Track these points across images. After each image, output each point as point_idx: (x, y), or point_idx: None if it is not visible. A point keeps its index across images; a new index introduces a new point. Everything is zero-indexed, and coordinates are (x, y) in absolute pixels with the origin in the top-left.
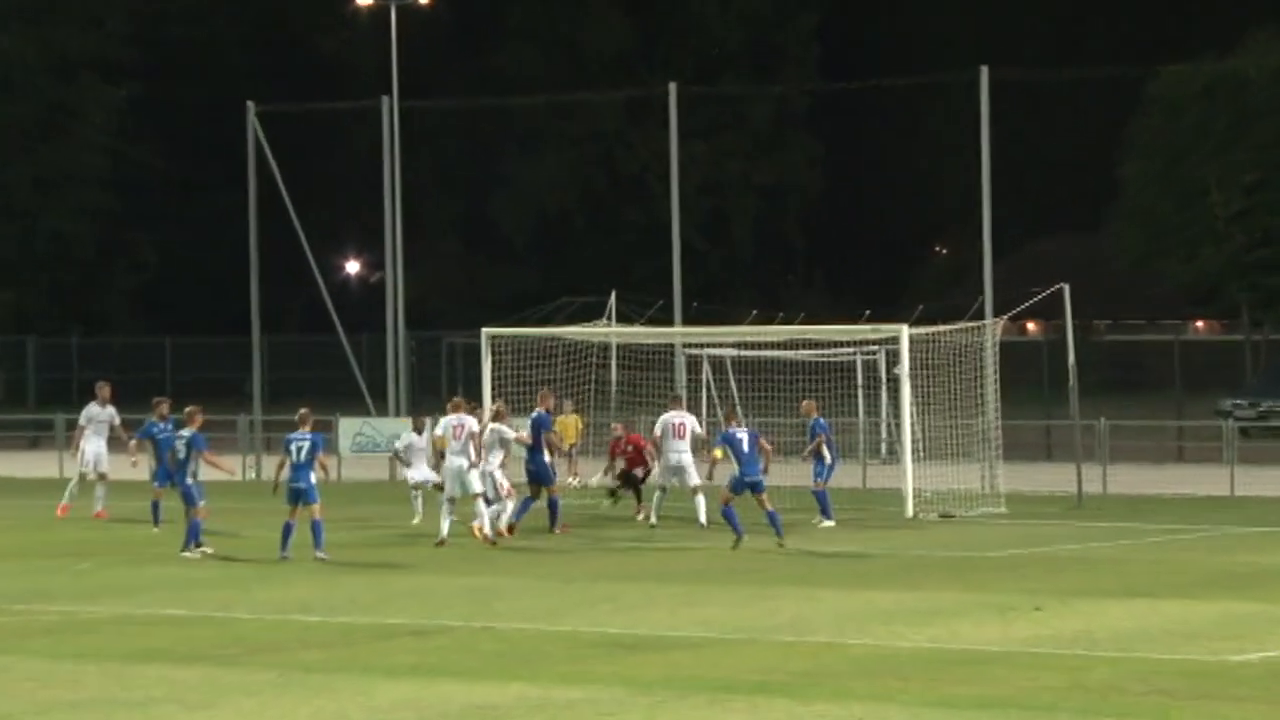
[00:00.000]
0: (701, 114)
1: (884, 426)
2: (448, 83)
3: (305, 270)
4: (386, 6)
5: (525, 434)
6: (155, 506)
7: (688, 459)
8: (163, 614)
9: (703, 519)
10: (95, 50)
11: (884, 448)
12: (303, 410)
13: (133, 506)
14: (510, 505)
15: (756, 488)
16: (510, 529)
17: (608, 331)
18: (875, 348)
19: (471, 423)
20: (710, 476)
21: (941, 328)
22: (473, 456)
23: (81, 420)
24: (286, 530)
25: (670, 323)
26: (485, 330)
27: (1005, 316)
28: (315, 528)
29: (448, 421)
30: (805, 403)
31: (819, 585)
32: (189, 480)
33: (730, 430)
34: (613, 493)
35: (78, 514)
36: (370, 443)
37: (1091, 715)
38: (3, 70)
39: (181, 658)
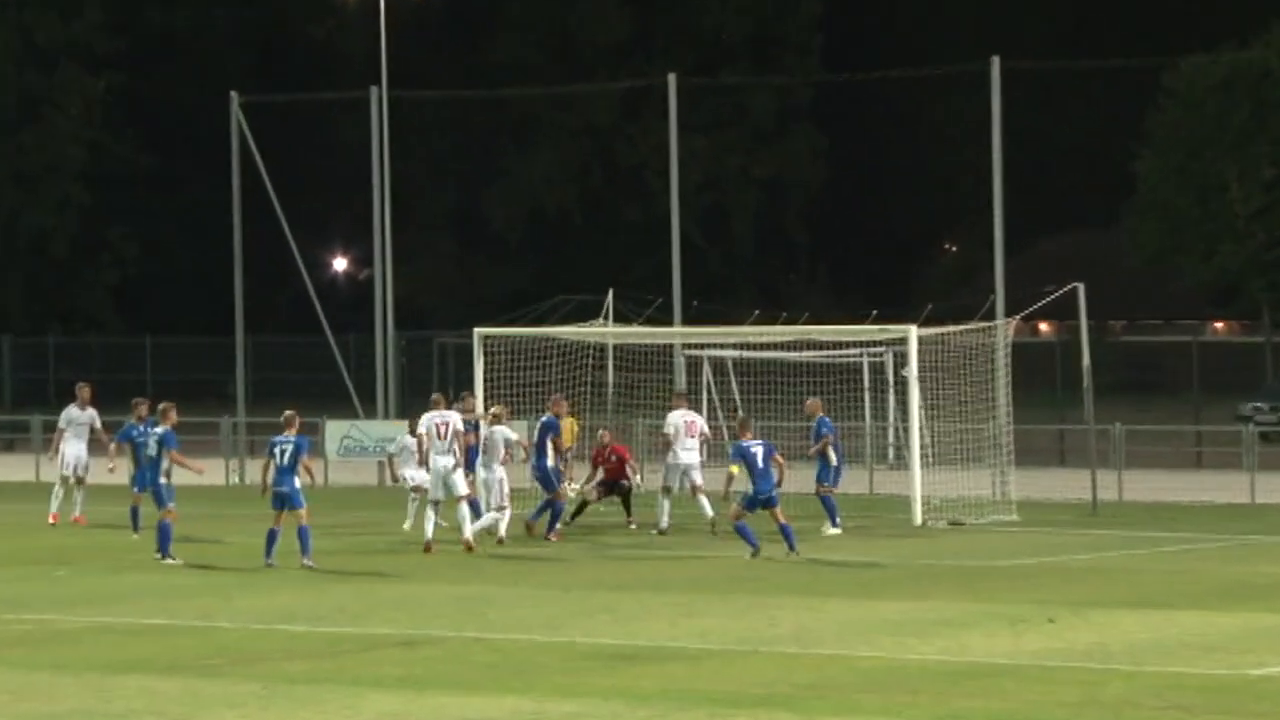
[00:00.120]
0: (701, 106)
1: (891, 431)
2: (439, 73)
3: (291, 267)
4: None
5: (524, 438)
6: (134, 512)
7: (696, 458)
8: (143, 623)
9: (709, 511)
10: (74, 39)
11: (891, 453)
12: (288, 412)
13: (111, 512)
14: (508, 513)
15: (770, 503)
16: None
17: (604, 332)
18: (882, 349)
19: (456, 419)
20: (726, 495)
21: (951, 328)
22: (458, 456)
23: (60, 423)
24: (271, 536)
25: (669, 323)
26: (478, 330)
27: (1017, 316)
28: (302, 534)
29: (430, 419)
30: (810, 401)
31: (824, 595)
32: (161, 480)
33: (744, 443)
34: (581, 508)
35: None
36: (358, 446)
37: None
38: None
39: (162, 668)
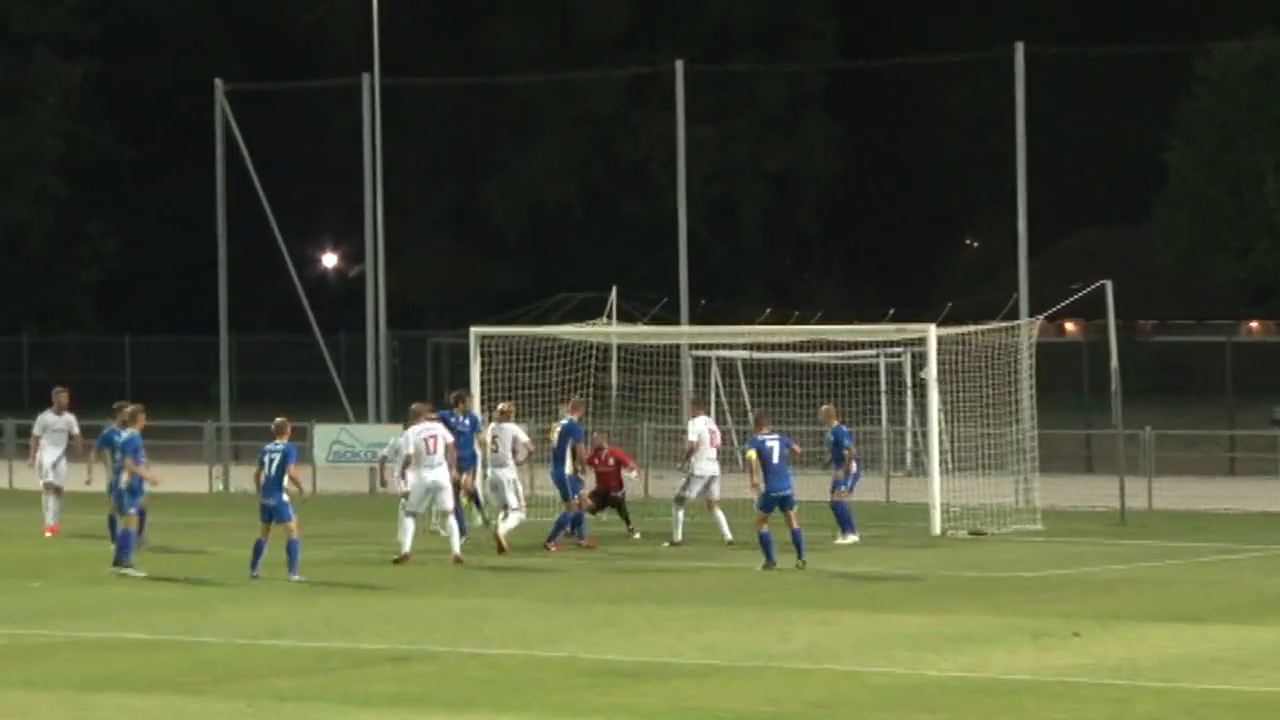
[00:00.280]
0: (709, 95)
1: (909, 436)
2: (435, 60)
3: (278, 263)
4: None
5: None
6: (113, 521)
7: (718, 469)
8: (121, 637)
9: (728, 534)
10: (51, 24)
11: (909, 459)
12: (279, 419)
13: (89, 521)
14: (521, 515)
15: (786, 503)
16: (555, 543)
17: (607, 331)
18: (900, 349)
19: (443, 432)
20: (753, 484)
21: (972, 328)
22: (450, 470)
23: (36, 429)
24: (258, 548)
25: (675, 322)
26: (474, 329)
27: (1042, 315)
28: (290, 548)
29: (416, 435)
30: (824, 408)
31: (837, 608)
32: (122, 483)
33: (761, 436)
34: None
35: (29, 529)
36: (348, 451)
37: None
38: None
39: (142, 685)
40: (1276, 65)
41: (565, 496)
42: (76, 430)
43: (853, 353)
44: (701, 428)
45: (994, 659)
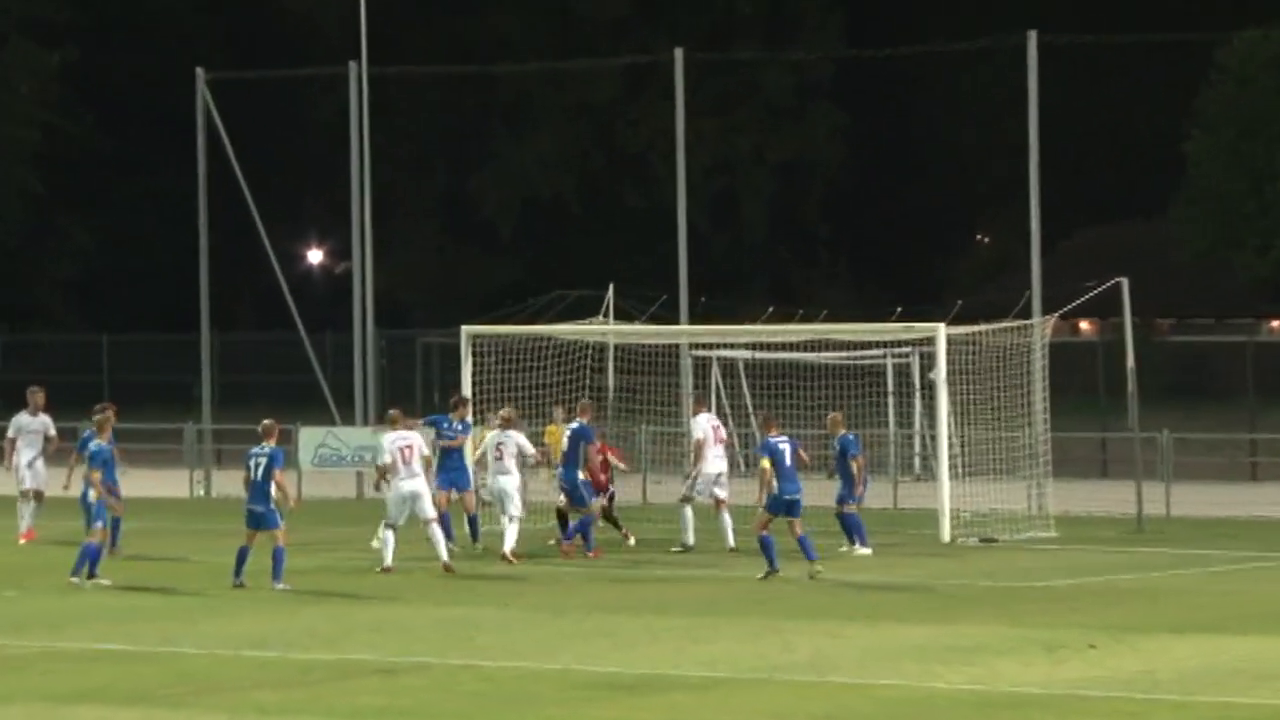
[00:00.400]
0: (710, 84)
1: (917, 439)
2: (424, 47)
3: (262, 260)
4: None
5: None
6: (113, 525)
7: (725, 466)
8: (98, 649)
9: (730, 540)
10: (26, 9)
11: (917, 463)
12: (266, 421)
13: (66, 527)
14: (518, 525)
15: (793, 509)
16: (569, 544)
17: (604, 330)
18: (908, 349)
19: (419, 442)
20: (761, 495)
21: (983, 327)
22: (428, 480)
23: (10, 431)
24: (241, 555)
25: (675, 321)
26: (465, 328)
27: (1055, 314)
28: (276, 556)
29: (391, 443)
30: (832, 415)
31: (842, 618)
32: (90, 496)
33: (772, 439)
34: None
35: (3, 535)
36: (334, 455)
37: None
38: None
39: (120, 699)
40: None
41: (582, 502)
42: (53, 431)
43: (859, 353)
44: (704, 424)
45: (1005, 671)
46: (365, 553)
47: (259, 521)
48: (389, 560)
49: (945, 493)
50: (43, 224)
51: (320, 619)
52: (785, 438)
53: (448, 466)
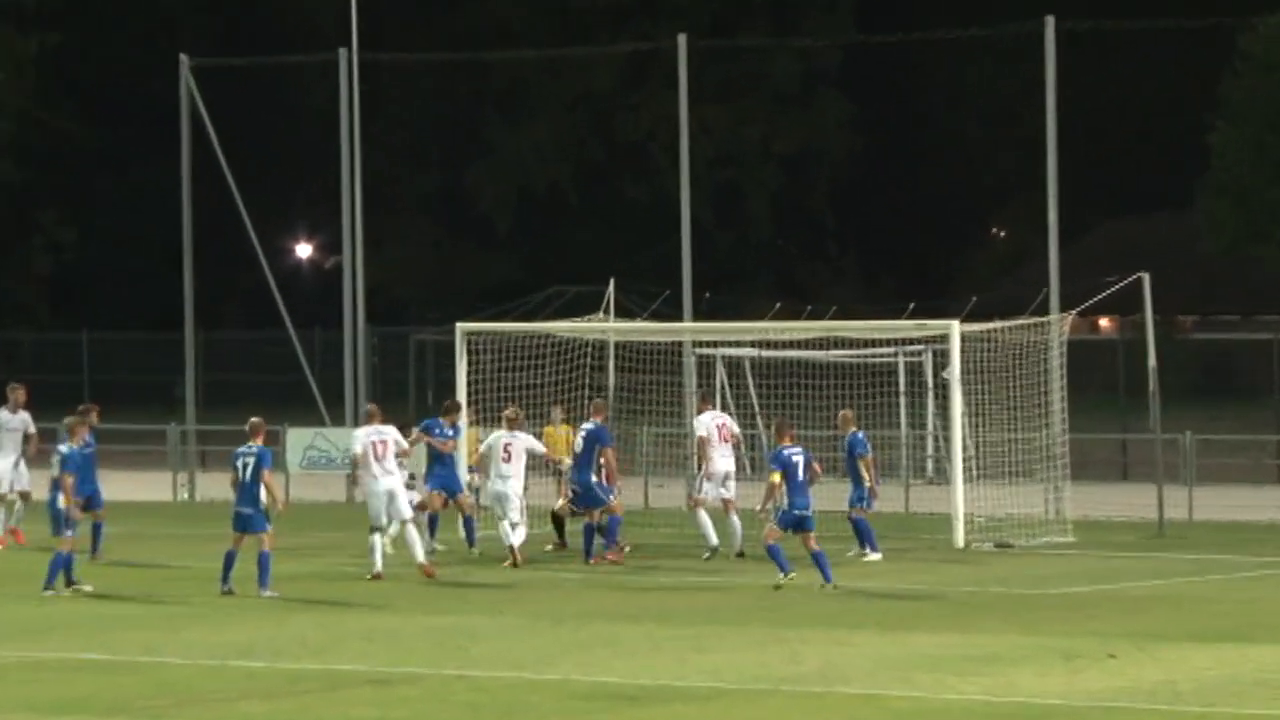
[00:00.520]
0: (714, 71)
1: (930, 441)
2: (417, 34)
3: (249, 254)
4: None
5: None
6: (97, 529)
7: (732, 466)
8: (79, 658)
9: (738, 544)
10: None
11: (930, 466)
12: (254, 419)
13: (43, 531)
14: (523, 531)
15: (804, 524)
16: (614, 551)
17: (605, 327)
18: (920, 347)
19: (395, 436)
20: (763, 508)
21: (999, 324)
22: (403, 476)
23: None
24: (228, 560)
25: (678, 317)
26: (460, 325)
27: (1074, 311)
28: (262, 561)
29: (365, 436)
30: (843, 413)
31: (852, 627)
32: (60, 504)
33: (784, 449)
34: (560, 526)
35: None
36: (324, 457)
37: None
38: None
39: (101, 710)
40: None
41: (599, 503)
42: (33, 429)
43: (869, 351)
44: (709, 422)
45: (1021, 682)
46: (356, 558)
47: (247, 524)
48: (379, 566)
49: (959, 496)
50: (19, 217)
51: (309, 627)
52: (799, 449)
53: (439, 470)
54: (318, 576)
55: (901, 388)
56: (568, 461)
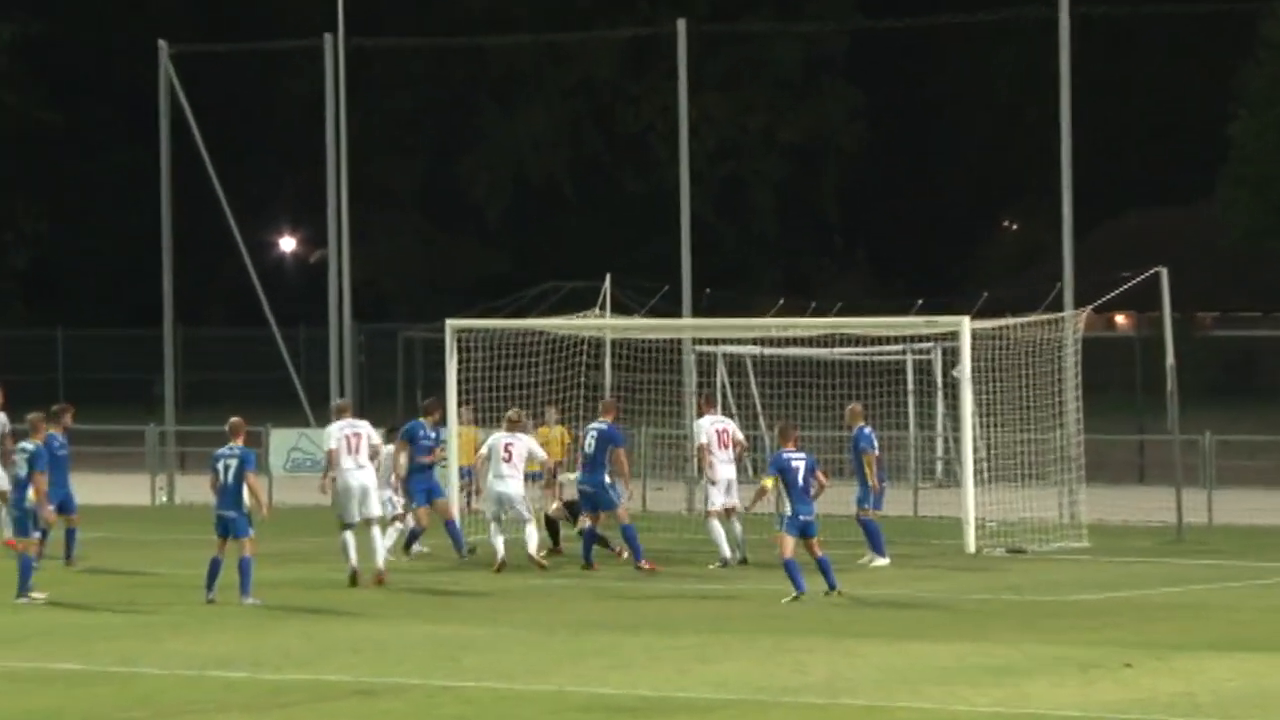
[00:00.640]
0: (716, 59)
1: (940, 442)
2: (406, 18)
3: (230, 248)
4: None
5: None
6: (71, 534)
7: (734, 473)
8: (52, 668)
9: (740, 551)
10: None
11: (940, 468)
12: (234, 419)
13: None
14: (534, 530)
15: (809, 530)
16: (646, 561)
17: (601, 324)
18: (929, 345)
19: (369, 430)
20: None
21: (1011, 320)
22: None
23: None
24: (213, 567)
25: (677, 314)
26: (450, 322)
27: (1089, 307)
28: (243, 567)
29: (339, 431)
30: (851, 407)
31: (859, 636)
32: (27, 504)
33: (785, 454)
34: (555, 531)
35: None
36: (309, 459)
37: None
38: None
39: None
40: None
41: (609, 506)
42: (8, 429)
43: (877, 348)
44: (708, 426)
45: (1035, 693)
46: (343, 565)
47: (229, 528)
48: (354, 561)
49: (970, 500)
50: None
51: (292, 637)
52: (802, 454)
53: (419, 477)
54: (301, 583)
55: (910, 387)
56: (571, 477)
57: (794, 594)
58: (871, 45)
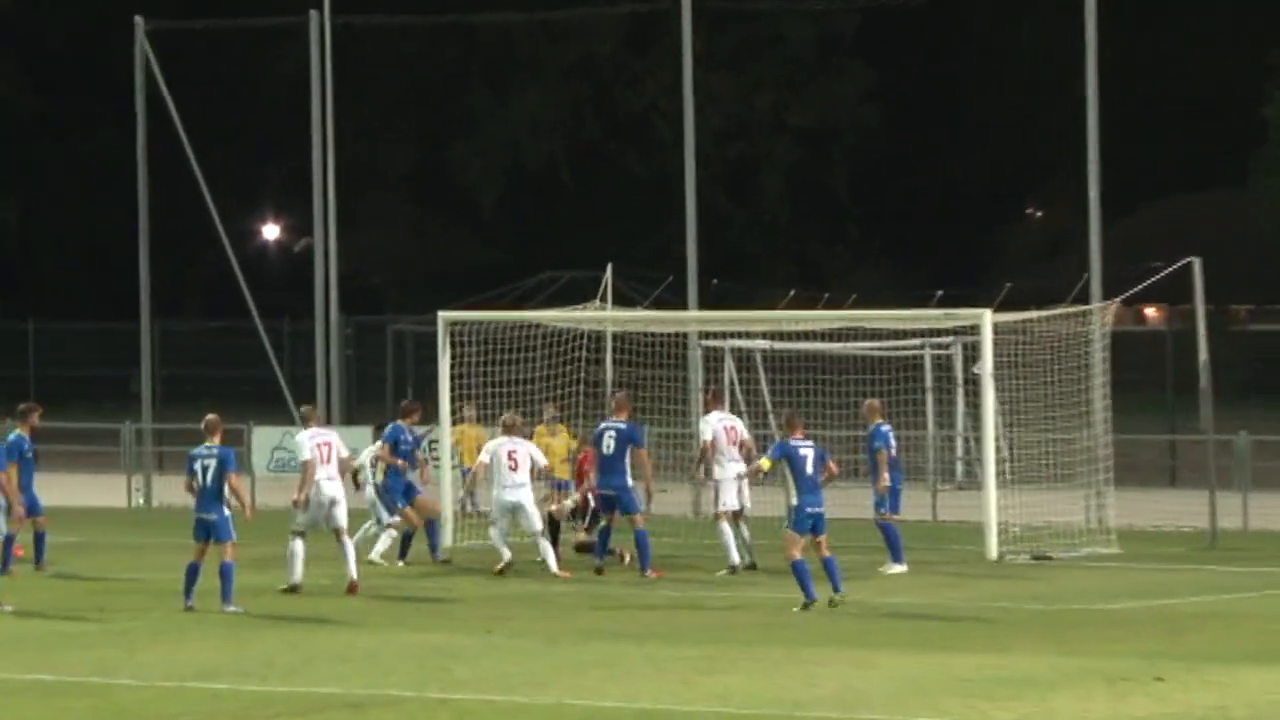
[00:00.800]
0: (723, 36)
1: (960, 442)
2: None
3: (210, 236)
4: None
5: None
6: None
7: (744, 468)
8: (23, 679)
9: (749, 556)
10: None
11: (960, 469)
12: (209, 416)
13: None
14: (547, 545)
15: (818, 525)
16: (652, 569)
17: (602, 316)
18: (949, 339)
19: (338, 441)
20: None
21: (1035, 314)
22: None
23: None
24: (191, 573)
25: (682, 306)
26: (443, 314)
27: (1118, 299)
28: (224, 573)
29: (310, 440)
30: (869, 402)
31: (875, 647)
32: None
33: (792, 442)
34: (556, 532)
35: None
36: (293, 459)
37: None
38: None
39: None
40: None
41: (632, 509)
42: None
43: (893, 343)
44: (715, 425)
45: (1060, 707)
46: (331, 570)
47: (210, 532)
48: (298, 575)
49: (992, 503)
50: None
51: (277, 646)
52: (810, 443)
53: (398, 480)
54: (300, 587)
55: (928, 384)
56: (569, 504)
57: (803, 602)
58: (886, 21)
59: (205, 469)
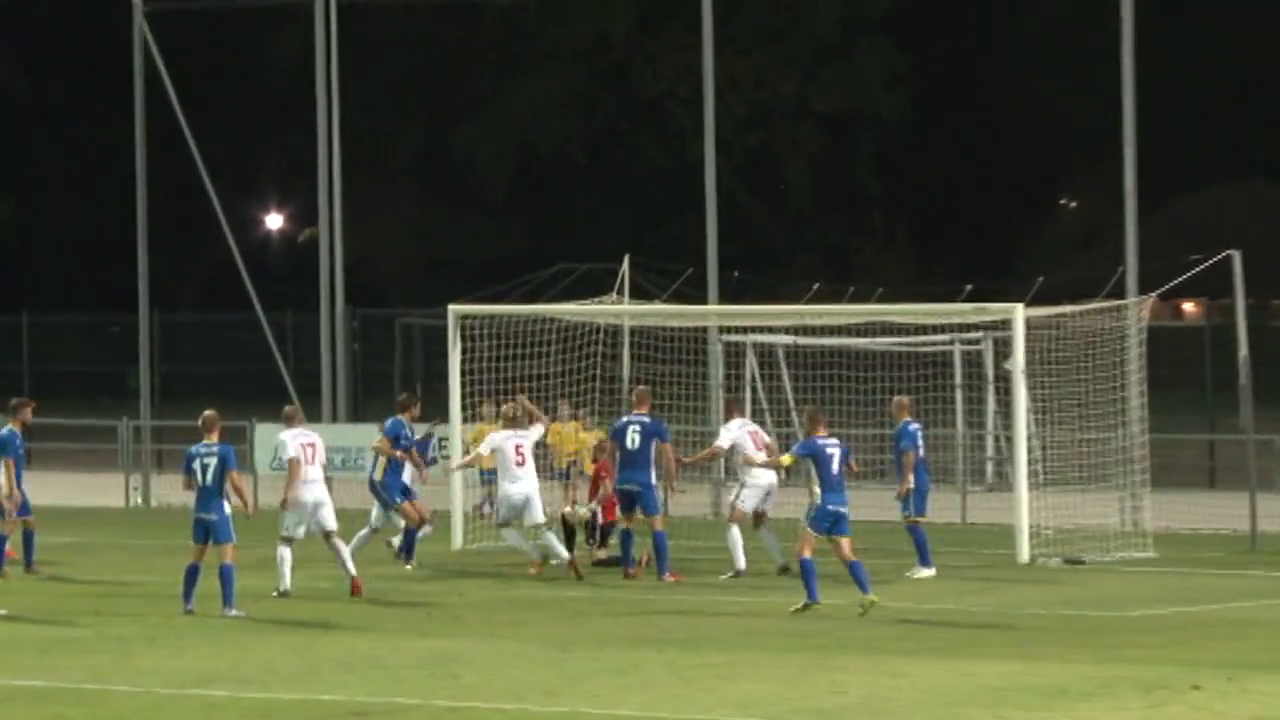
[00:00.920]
0: (744, 17)
1: (990, 441)
2: None
3: (211, 226)
4: None
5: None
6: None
7: (774, 476)
8: (14, 685)
9: (781, 558)
10: None
11: (990, 470)
12: (207, 413)
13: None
14: (552, 537)
15: (840, 526)
16: (670, 573)
17: (618, 310)
18: (980, 335)
19: (321, 441)
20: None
21: (1069, 308)
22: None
23: None
24: (191, 575)
25: (702, 299)
26: (453, 307)
27: (1155, 293)
28: (225, 575)
29: (294, 439)
30: (897, 399)
31: (903, 654)
32: None
33: (817, 440)
34: (570, 534)
35: None
36: None
37: None
38: None
39: None
40: None
41: (652, 511)
42: None
43: (921, 339)
44: (737, 432)
45: (1092, 716)
46: (335, 574)
47: (210, 532)
48: (287, 583)
49: (1023, 505)
50: None
51: (280, 652)
52: (835, 441)
53: (395, 478)
54: (290, 594)
55: (958, 381)
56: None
57: (803, 602)
58: (915, 3)
59: (205, 467)
